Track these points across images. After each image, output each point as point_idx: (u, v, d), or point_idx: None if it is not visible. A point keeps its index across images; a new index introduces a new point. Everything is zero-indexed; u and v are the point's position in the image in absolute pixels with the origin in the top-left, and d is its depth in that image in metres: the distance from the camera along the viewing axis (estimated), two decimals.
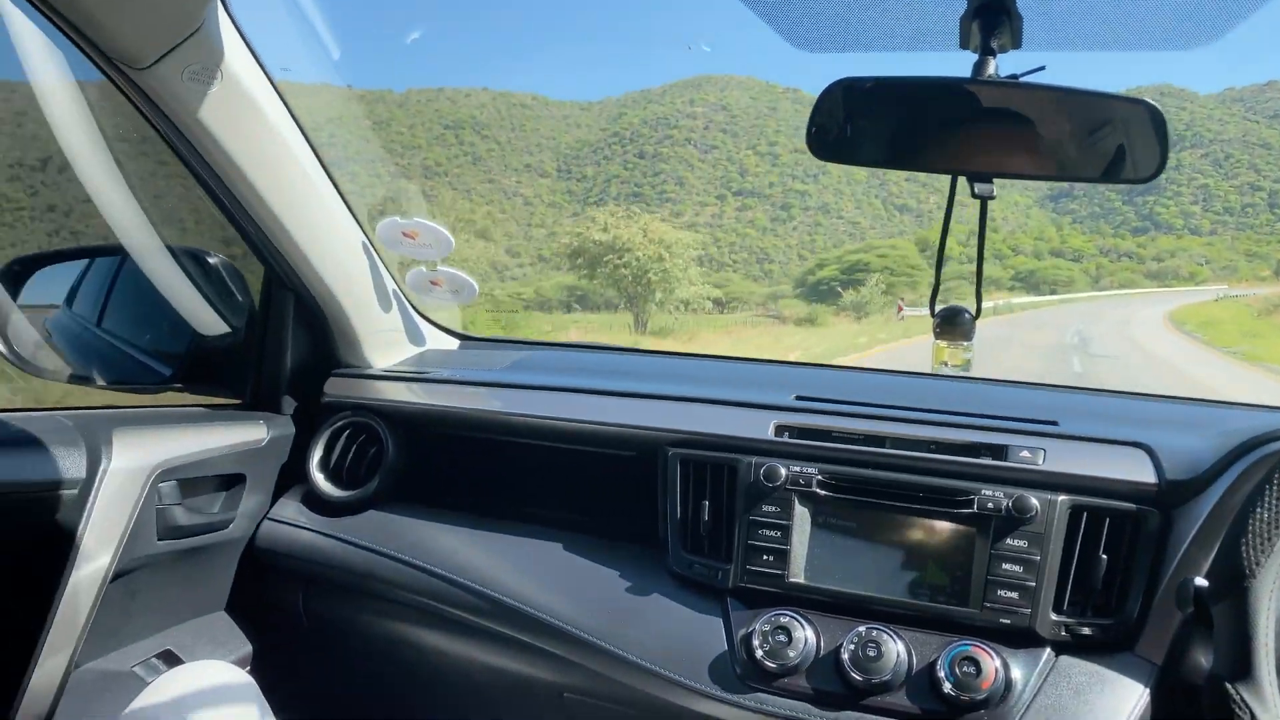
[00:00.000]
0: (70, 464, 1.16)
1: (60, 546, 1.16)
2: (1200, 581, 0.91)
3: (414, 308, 1.71)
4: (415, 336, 1.70)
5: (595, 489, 1.44)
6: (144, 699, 1.06)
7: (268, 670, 1.37)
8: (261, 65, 1.25)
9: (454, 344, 1.81)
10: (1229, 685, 0.81)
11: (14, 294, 1.45)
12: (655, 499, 1.32)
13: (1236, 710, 0.79)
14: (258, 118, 1.25)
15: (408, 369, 1.63)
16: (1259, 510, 0.86)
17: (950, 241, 1.04)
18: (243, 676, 1.16)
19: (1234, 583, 0.84)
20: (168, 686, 1.09)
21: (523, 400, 1.47)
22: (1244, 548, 0.85)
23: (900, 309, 38.52)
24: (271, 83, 1.27)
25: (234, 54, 1.18)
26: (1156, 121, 0.88)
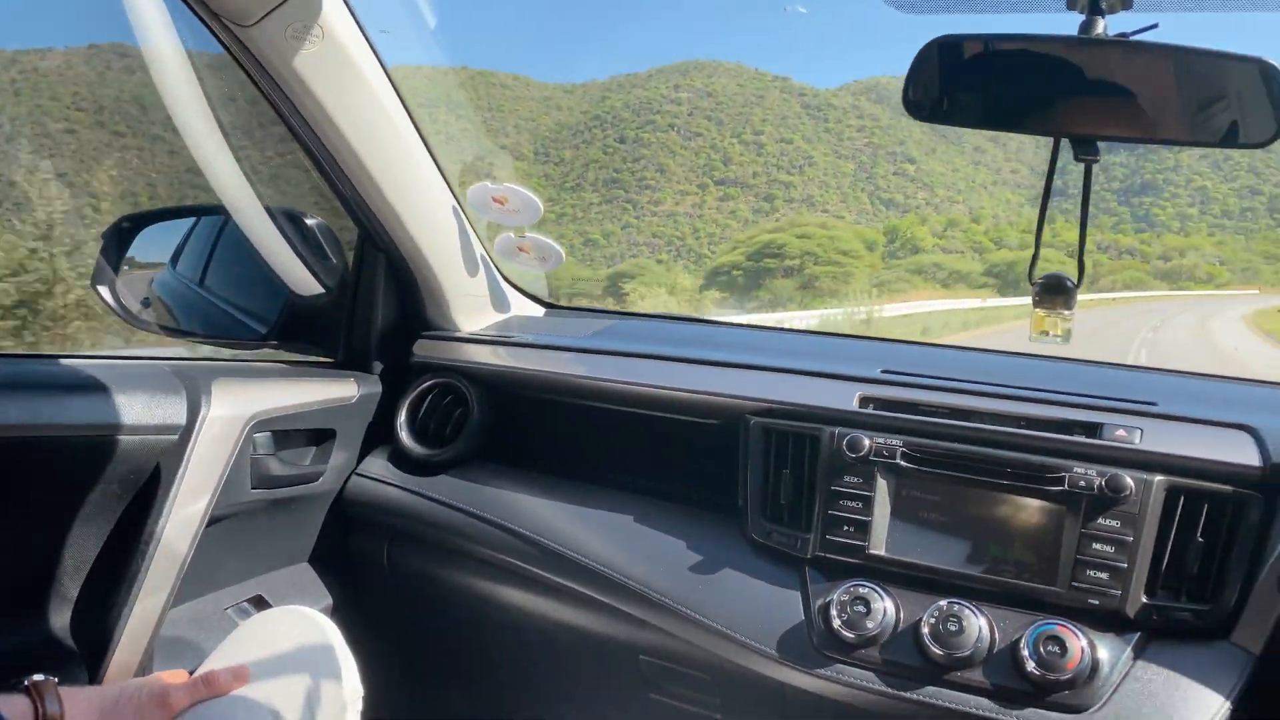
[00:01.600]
0: (172, 410, 1.20)
1: (161, 489, 1.20)
2: None
3: (501, 273, 1.74)
4: (501, 302, 1.73)
5: (676, 456, 1.45)
6: (234, 638, 1.10)
7: (351, 620, 1.40)
8: (360, 26, 1.27)
9: (539, 311, 1.83)
10: None
11: (122, 250, 1.49)
12: (736, 467, 1.32)
13: None
14: (356, 77, 1.27)
15: (494, 333, 1.65)
16: None
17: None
18: (327, 623, 1.19)
19: None
20: (257, 628, 1.12)
21: (607, 366, 1.48)
22: None
23: None
24: (370, 43, 1.29)
25: (334, 13, 1.20)
26: (1272, 82, 0.84)
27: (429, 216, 1.48)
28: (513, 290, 1.78)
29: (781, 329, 1.96)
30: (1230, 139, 0.88)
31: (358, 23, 1.26)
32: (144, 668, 1.22)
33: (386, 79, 1.33)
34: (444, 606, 1.54)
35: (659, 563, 1.29)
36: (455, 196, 1.53)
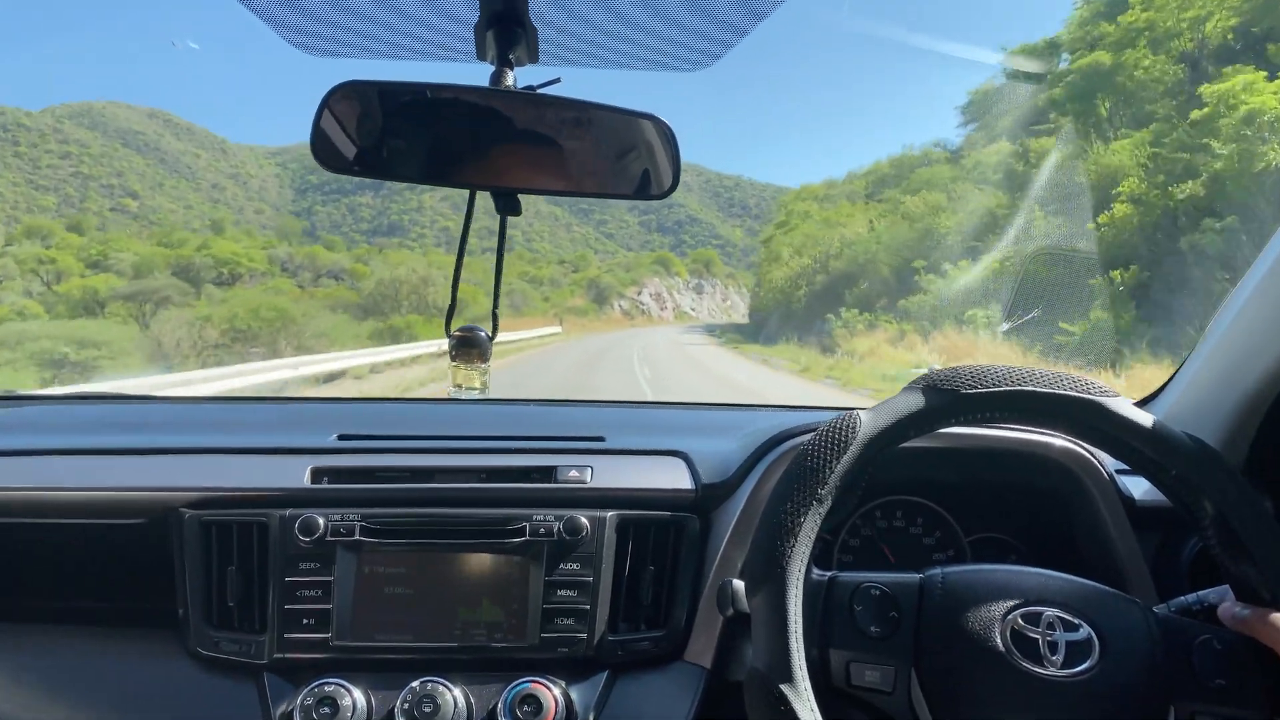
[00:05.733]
0: None
1: None
2: (737, 583, 0.88)
3: None
4: None
5: (96, 568, 1.22)
6: None
7: None
8: None
9: None
10: (765, 677, 0.79)
11: None
12: (172, 572, 1.14)
13: (774, 702, 0.77)
14: None
15: None
16: (787, 504, 0.84)
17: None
18: None
19: (767, 572, 0.82)
20: None
21: None
22: (776, 539, 0.83)
23: None
24: None
25: None
26: (667, 137, 0.90)
27: None
28: None
29: (228, 399, 1.74)
30: (643, 190, 0.94)
31: None
32: None
33: None
34: None
35: (81, 702, 1.09)
36: None
